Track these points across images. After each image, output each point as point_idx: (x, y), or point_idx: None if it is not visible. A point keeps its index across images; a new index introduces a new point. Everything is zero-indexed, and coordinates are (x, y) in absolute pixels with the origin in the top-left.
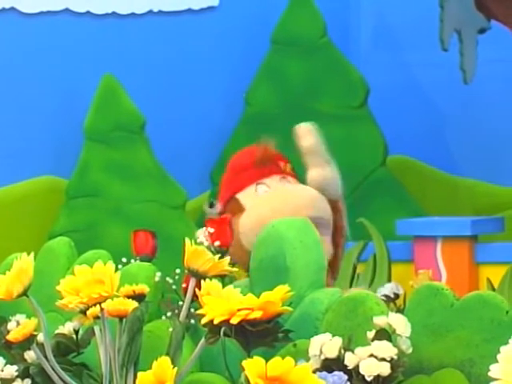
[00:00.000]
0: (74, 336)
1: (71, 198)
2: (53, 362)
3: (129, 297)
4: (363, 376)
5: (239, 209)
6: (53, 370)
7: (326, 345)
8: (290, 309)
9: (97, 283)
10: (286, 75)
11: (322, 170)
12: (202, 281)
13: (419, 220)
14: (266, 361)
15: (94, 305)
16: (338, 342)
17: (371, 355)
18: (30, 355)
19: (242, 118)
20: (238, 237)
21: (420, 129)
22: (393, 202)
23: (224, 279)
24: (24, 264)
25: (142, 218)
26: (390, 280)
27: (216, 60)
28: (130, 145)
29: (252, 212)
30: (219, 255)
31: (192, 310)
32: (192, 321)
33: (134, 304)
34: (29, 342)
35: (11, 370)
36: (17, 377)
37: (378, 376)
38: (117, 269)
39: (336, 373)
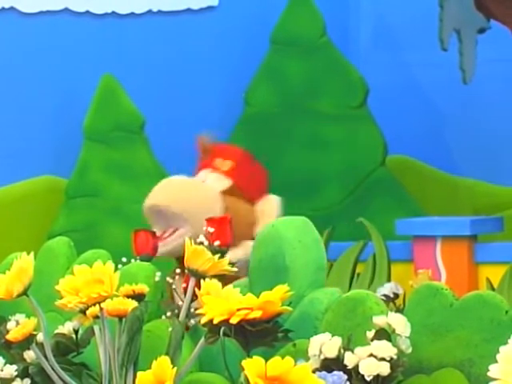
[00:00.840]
0: (74, 336)
1: (71, 198)
2: (52, 361)
3: (128, 296)
4: (363, 376)
5: None
6: (52, 369)
7: (325, 344)
8: (289, 308)
9: (96, 283)
10: (285, 75)
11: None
12: (202, 280)
13: (419, 220)
14: (266, 360)
15: (94, 304)
16: (337, 341)
17: (371, 355)
18: (30, 355)
19: (242, 118)
20: None
21: (419, 129)
22: (392, 202)
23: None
24: (24, 263)
25: (142, 218)
26: (389, 280)
27: (215, 60)
28: (130, 145)
29: None
30: (219, 255)
31: (192, 309)
32: (192, 321)
33: (134, 304)
34: (28, 341)
35: (11, 370)
36: (16, 376)
37: (378, 376)
38: (116, 268)
39: (335, 372)
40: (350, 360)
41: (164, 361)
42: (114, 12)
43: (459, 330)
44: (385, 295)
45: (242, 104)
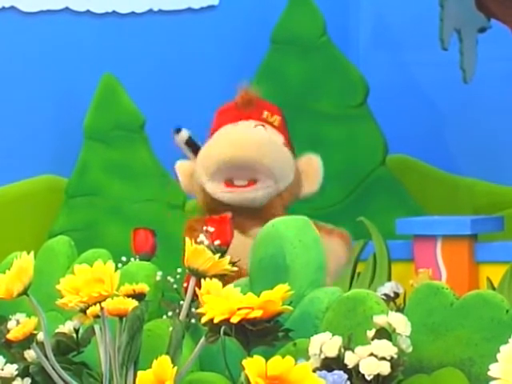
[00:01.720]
0: (74, 335)
1: (71, 197)
2: (53, 361)
3: (129, 296)
4: (363, 375)
5: None
6: (53, 369)
7: (325, 344)
8: (289, 308)
9: (97, 282)
10: (285, 74)
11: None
12: (202, 280)
13: (419, 219)
14: (266, 360)
15: (94, 304)
16: (337, 341)
17: (371, 354)
18: (30, 354)
19: None
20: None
21: (420, 128)
22: (393, 201)
23: None
24: (24, 263)
25: (142, 218)
26: (389, 279)
27: (216, 59)
28: (130, 144)
29: (203, 149)
30: (219, 254)
31: (192, 309)
32: (192, 320)
33: (134, 303)
34: (29, 341)
35: (11, 369)
36: (17, 376)
37: (378, 375)
38: (117, 268)
39: (336, 372)
40: (350, 359)
41: (164, 360)
42: (114, 11)
43: (459, 329)
44: (385, 294)
45: None
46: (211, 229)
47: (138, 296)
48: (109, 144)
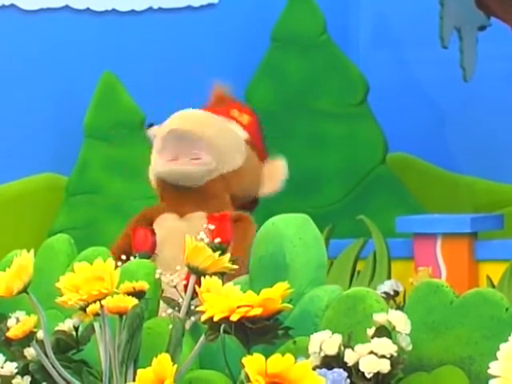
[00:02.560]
0: (74, 333)
1: (71, 195)
2: (52, 358)
3: (128, 294)
4: (363, 373)
5: None
6: (52, 366)
7: (325, 342)
8: (289, 306)
9: (96, 280)
10: (285, 72)
11: None
12: (202, 278)
13: (419, 217)
14: (266, 358)
15: (94, 302)
16: (337, 339)
17: (371, 352)
18: (30, 352)
19: None
20: None
21: (420, 126)
22: (393, 200)
23: None
24: (24, 261)
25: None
26: (389, 277)
27: (216, 57)
28: (130, 142)
29: None
30: (219, 252)
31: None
32: (192, 318)
33: (134, 301)
34: (28, 339)
35: (11, 367)
36: (16, 374)
37: (378, 373)
38: (116, 266)
39: (336, 370)
40: (350, 357)
41: (164, 358)
42: (114, 9)
43: (459, 327)
44: (385, 293)
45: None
46: (211, 226)
47: (138, 294)
48: (109, 142)
